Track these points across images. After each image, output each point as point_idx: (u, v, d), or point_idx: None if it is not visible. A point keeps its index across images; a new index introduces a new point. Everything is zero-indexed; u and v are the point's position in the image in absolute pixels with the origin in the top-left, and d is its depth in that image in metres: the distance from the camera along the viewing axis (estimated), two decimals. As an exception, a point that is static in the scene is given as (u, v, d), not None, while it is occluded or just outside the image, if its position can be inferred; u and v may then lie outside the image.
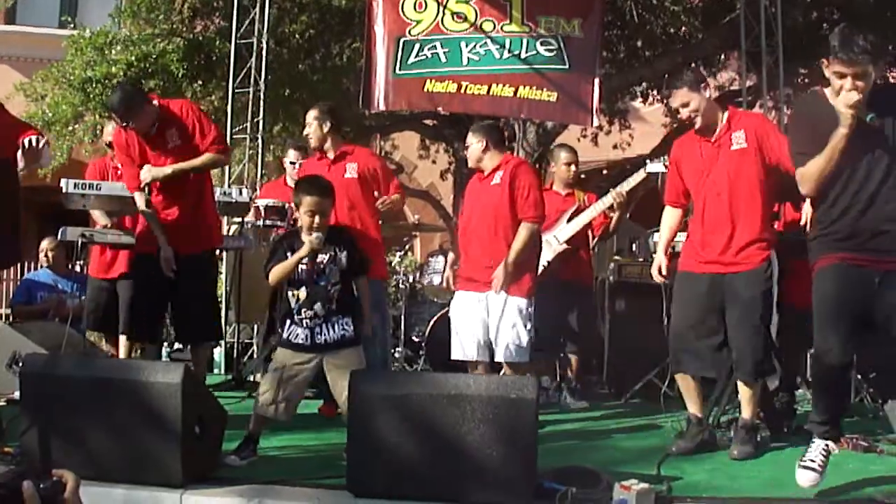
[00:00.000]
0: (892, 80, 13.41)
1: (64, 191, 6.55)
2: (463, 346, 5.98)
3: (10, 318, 8.43)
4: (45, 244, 8.40)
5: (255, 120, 10.04)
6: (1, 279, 13.83)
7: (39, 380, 4.56)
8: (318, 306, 4.89)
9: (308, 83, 11.84)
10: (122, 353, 6.27)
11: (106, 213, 6.72)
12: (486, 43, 8.05)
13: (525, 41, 8.01)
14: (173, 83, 11.03)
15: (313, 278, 4.91)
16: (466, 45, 8.04)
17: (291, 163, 7.60)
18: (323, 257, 4.93)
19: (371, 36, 8.23)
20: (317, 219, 4.90)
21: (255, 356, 8.33)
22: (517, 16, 8.04)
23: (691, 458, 5.10)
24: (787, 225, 6.03)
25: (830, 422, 4.22)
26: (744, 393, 5.27)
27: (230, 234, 8.60)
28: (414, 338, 8.43)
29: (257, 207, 7.21)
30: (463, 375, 4.46)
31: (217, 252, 6.89)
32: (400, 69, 8.09)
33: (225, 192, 7.39)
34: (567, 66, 7.99)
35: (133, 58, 11.23)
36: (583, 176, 7.44)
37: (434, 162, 16.38)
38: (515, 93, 8.00)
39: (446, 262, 7.93)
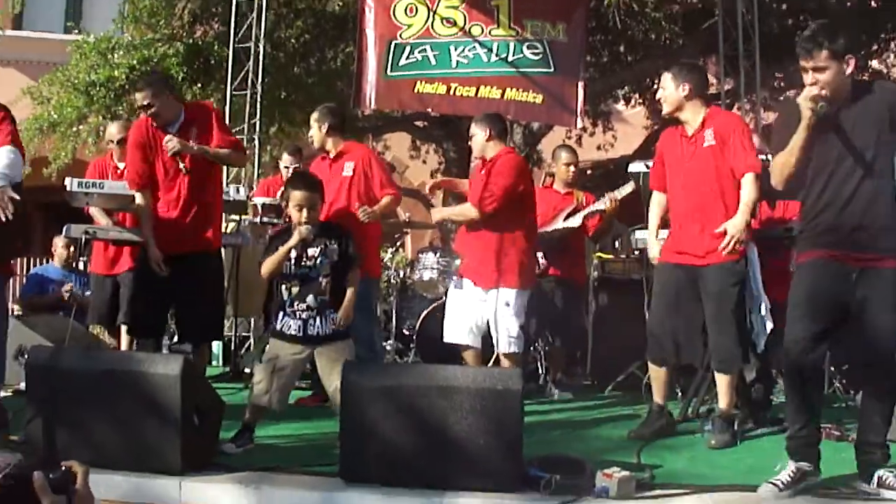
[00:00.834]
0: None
1: (68, 189, 6.52)
2: (455, 331, 6.03)
3: (21, 311, 8.43)
4: (56, 241, 8.47)
5: (253, 121, 10.04)
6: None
7: (44, 371, 4.56)
8: (310, 299, 4.88)
9: (303, 86, 11.83)
10: (123, 346, 6.25)
11: (105, 212, 6.69)
12: (474, 46, 8.05)
13: (512, 45, 8.01)
14: (174, 86, 10.99)
15: (307, 272, 4.90)
16: (455, 49, 8.04)
17: (286, 167, 7.60)
18: (314, 250, 4.92)
19: (363, 39, 8.22)
20: (305, 212, 4.89)
21: (251, 349, 8.32)
22: (504, 20, 8.04)
23: (672, 447, 5.12)
24: (764, 223, 6.04)
25: (805, 428, 4.15)
26: (720, 383, 5.27)
27: (228, 231, 8.61)
28: (405, 331, 8.45)
29: (254, 205, 7.20)
30: (452, 367, 4.46)
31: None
32: (391, 71, 8.08)
33: (223, 191, 7.36)
34: (552, 70, 8.00)
35: (135, 61, 11.21)
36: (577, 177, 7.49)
37: (425, 162, 16.34)
38: (503, 95, 8.00)
39: (436, 258, 8.01)
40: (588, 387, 7.46)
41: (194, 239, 5.68)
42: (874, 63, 13.82)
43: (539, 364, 7.48)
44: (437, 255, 8.06)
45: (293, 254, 4.89)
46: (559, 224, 7.02)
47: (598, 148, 15.97)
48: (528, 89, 7.99)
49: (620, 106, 16.02)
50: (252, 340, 8.54)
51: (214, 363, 8.70)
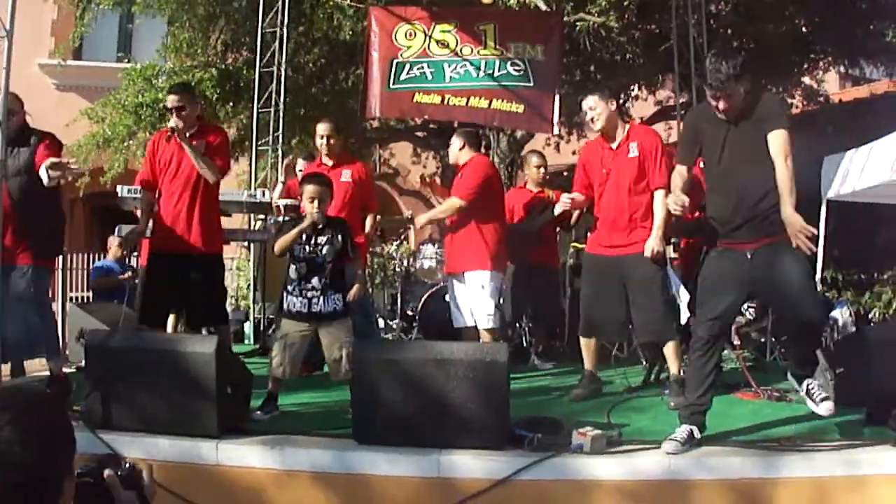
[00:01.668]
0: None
1: (119, 195, 6.53)
2: (460, 318, 6.13)
3: (90, 295, 8.54)
4: (111, 240, 8.77)
5: (276, 134, 10.01)
6: (70, 268, 13.75)
7: (100, 351, 4.56)
8: (315, 280, 4.87)
9: (320, 104, 11.79)
10: (168, 329, 6.22)
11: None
12: (465, 64, 8.02)
13: (497, 63, 7.98)
14: (209, 106, 10.95)
15: (314, 257, 4.88)
16: (449, 66, 8.02)
17: (299, 171, 7.58)
18: (322, 238, 4.91)
19: (369, 59, 8.20)
20: (316, 203, 4.90)
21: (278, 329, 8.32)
22: (490, 43, 8.02)
23: (637, 409, 5.13)
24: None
25: (704, 396, 4.15)
26: (666, 352, 5.32)
27: (254, 228, 8.61)
28: (409, 312, 8.50)
29: (278, 206, 7.20)
30: (447, 343, 4.44)
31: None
32: (393, 84, 8.06)
33: (251, 195, 7.35)
34: (532, 84, 7.96)
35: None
36: (547, 177, 7.48)
37: (424, 167, 16.29)
38: (489, 105, 7.97)
39: (435, 249, 8.01)
40: (566, 357, 7.43)
41: (207, 241, 5.62)
42: (806, 79, 13.80)
43: (524, 339, 7.48)
44: (436, 246, 8.07)
45: (303, 238, 4.88)
46: (537, 217, 7.03)
47: (574, 153, 15.90)
48: (511, 100, 7.95)
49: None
50: (278, 322, 8.54)
51: (246, 342, 8.72)
